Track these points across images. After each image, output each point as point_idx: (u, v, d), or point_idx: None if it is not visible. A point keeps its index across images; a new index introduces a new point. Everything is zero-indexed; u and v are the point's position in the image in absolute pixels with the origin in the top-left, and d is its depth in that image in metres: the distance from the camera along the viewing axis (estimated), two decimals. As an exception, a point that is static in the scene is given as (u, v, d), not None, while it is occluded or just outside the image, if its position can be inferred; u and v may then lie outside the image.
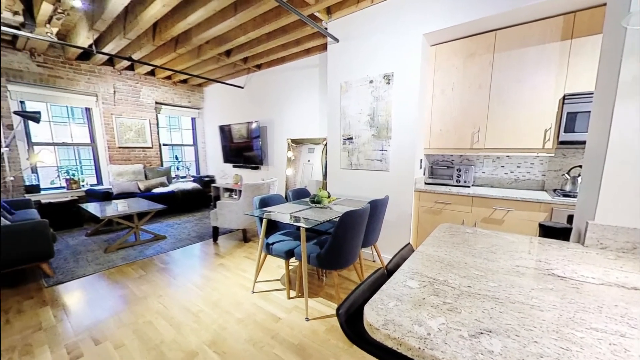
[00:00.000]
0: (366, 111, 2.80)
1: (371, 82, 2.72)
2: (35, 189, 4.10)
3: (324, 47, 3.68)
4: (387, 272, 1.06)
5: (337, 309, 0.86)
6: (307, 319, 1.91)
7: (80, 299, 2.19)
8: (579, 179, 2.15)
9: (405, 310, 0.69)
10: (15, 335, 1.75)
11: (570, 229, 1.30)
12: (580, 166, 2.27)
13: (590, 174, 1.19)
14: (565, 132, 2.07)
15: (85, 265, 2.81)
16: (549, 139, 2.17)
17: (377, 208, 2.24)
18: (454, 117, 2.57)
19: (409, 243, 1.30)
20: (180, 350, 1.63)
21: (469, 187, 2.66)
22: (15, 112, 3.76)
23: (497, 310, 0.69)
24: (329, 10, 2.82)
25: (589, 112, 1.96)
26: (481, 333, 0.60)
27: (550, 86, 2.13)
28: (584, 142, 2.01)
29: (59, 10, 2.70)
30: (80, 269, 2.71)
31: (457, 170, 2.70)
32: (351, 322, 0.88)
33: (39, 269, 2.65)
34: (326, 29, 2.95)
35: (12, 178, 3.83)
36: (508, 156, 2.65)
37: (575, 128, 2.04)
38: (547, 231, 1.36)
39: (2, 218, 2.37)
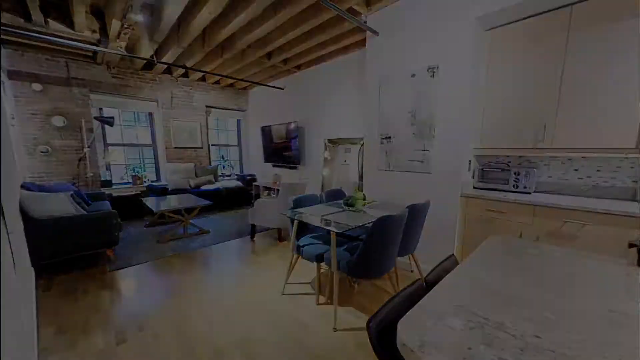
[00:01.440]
0: (407, 108, 2.58)
1: (413, 76, 2.50)
2: (108, 183, 4.76)
3: (362, 43, 3.51)
4: (426, 284, 0.94)
5: (368, 322, 0.78)
6: (335, 330, 1.82)
7: (132, 287, 2.44)
8: (693, 188, 1.66)
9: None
10: (81, 314, 2.00)
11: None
12: (695, 171, 1.76)
13: None
14: (671, 127, 1.62)
15: (141, 254, 3.14)
16: (646, 137, 1.72)
17: (416, 213, 2.04)
18: (512, 111, 2.22)
19: (453, 254, 1.14)
20: (211, 345, 1.68)
21: (529, 193, 2.27)
22: (95, 118, 4.42)
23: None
24: (368, 2, 2.68)
25: None
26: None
27: (650, 69, 1.68)
28: (701, 141, 1.54)
29: (125, 26, 3.05)
30: (136, 257, 3.03)
31: (515, 173, 2.32)
32: (383, 338, 0.78)
33: (105, 254, 3.04)
34: (365, 22, 2.81)
35: (91, 174, 4.50)
36: (583, 157, 2.19)
37: (688, 122, 1.57)
38: (645, 256, 1.05)
39: (80, 208, 2.77)
